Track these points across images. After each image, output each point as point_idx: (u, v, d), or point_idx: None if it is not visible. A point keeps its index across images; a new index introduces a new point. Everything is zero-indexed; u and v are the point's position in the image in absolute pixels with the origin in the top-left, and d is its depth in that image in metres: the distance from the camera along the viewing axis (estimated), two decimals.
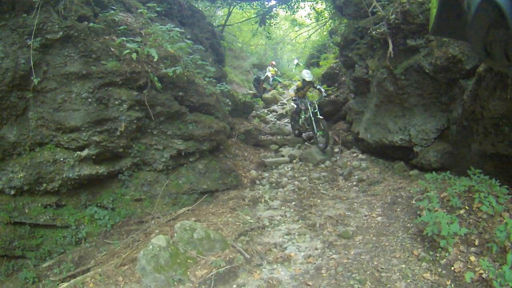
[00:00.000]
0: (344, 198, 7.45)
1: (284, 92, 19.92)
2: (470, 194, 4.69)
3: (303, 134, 12.63)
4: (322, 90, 11.19)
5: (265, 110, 16.80)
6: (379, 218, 6.13)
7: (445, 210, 4.73)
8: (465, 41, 0.94)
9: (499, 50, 0.79)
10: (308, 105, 10.94)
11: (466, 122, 5.82)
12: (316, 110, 10.75)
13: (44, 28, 5.88)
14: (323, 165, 10.08)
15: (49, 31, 5.91)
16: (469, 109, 5.51)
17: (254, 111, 14.68)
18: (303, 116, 11.58)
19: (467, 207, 4.59)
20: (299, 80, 11.75)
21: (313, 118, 10.69)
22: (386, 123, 8.35)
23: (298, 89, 11.45)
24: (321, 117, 10.45)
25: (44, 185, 6.24)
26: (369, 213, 6.40)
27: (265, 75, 19.76)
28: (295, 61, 26.16)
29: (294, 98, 11.68)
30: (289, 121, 13.40)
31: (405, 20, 6.62)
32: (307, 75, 11.26)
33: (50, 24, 5.90)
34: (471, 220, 4.41)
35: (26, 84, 5.98)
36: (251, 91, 19.73)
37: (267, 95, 18.58)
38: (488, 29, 0.77)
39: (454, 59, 5.90)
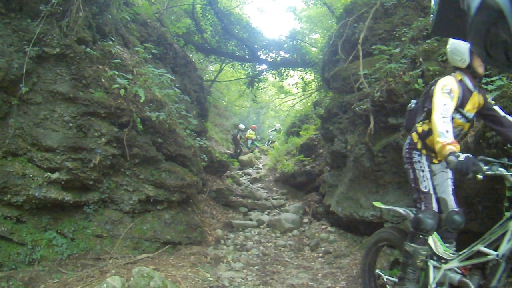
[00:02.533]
0: (309, 268, 7.23)
1: (260, 157, 20.02)
2: None
3: None
4: None
5: (240, 172, 16.82)
6: None
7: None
8: (465, 41, 0.94)
9: (499, 50, 0.79)
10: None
11: None
12: None
13: (44, 39, 5.93)
14: (290, 234, 9.91)
15: (47, 44, 5.96)
16: None
17: (228, 171, 14.63)
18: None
19: None
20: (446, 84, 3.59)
21: None
22: (359, 198, 8.33)
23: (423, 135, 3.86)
24: None
25: (9, 196, 5.98)
26: (333, 285, 6.22)
27: (241, 127, 19.98)
28: (277, 126, 26.06)
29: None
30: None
31: (389, 99, 6.83)
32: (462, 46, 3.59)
33: (50, 37, 5.96)
34: None
35: (14, 90, 5.91)
36: (228, 151, 19.83)
37: (244, 157, 18.68)
38: (488, 29, 0.77)
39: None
